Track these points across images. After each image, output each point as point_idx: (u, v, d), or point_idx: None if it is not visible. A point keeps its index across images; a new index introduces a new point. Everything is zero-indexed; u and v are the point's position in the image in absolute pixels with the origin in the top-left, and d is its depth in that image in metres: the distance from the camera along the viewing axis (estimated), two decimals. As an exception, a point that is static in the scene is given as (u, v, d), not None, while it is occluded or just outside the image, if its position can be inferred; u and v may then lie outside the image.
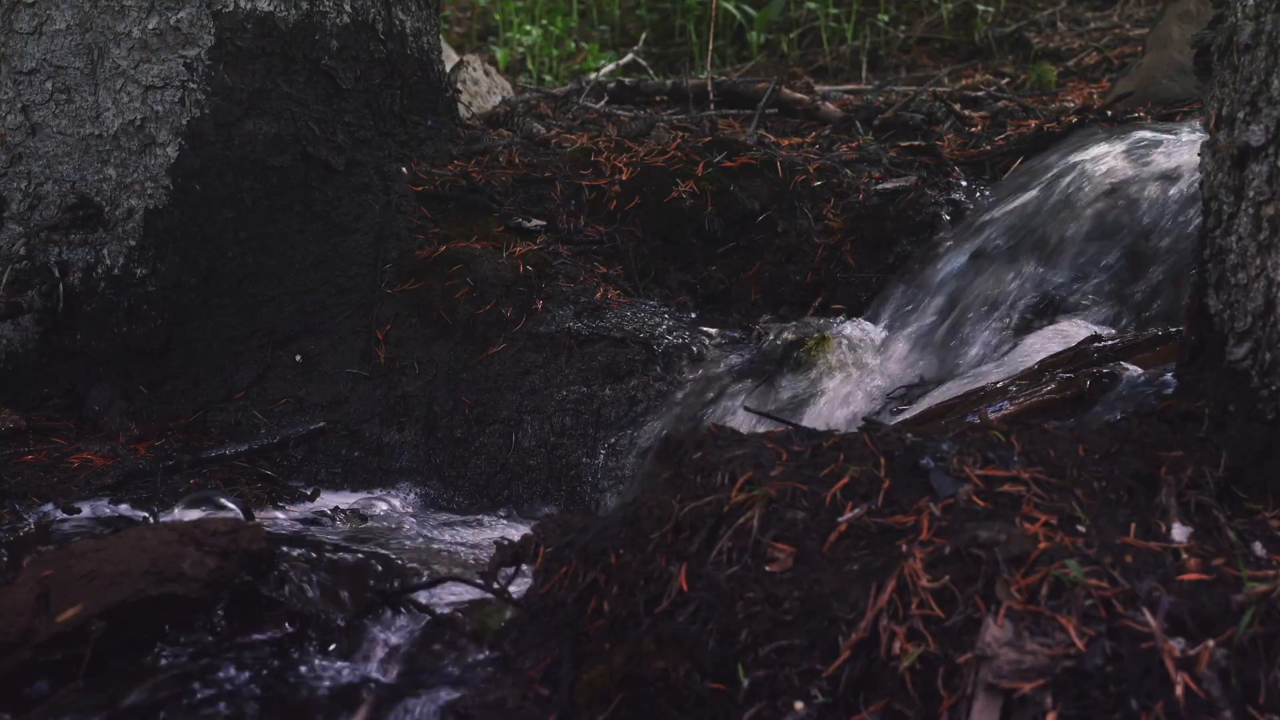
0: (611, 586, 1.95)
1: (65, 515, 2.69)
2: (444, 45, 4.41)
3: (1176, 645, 1.62)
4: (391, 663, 2.05)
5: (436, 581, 2.26)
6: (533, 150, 3.84)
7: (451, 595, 2.23)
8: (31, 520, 2.64)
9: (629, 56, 5.78)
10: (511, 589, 2.13)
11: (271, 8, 3.36)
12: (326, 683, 2.00)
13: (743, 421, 2.89)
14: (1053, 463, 1.90)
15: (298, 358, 3.25)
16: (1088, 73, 5.20)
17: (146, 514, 2.72)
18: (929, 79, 5.29)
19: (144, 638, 2.03)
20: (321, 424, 3.12)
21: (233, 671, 1.99)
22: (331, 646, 2.07)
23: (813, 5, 6.24)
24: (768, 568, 1.81)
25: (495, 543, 2.18)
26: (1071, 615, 1.64)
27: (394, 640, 2.09)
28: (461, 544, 2.70)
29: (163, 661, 2.01)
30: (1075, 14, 6.08)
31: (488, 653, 2.04)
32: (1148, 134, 3.35)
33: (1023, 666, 1.62)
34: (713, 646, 1.78)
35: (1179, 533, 1.79)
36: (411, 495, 3.03)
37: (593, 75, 5.26)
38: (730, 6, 6.11)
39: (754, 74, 5.84)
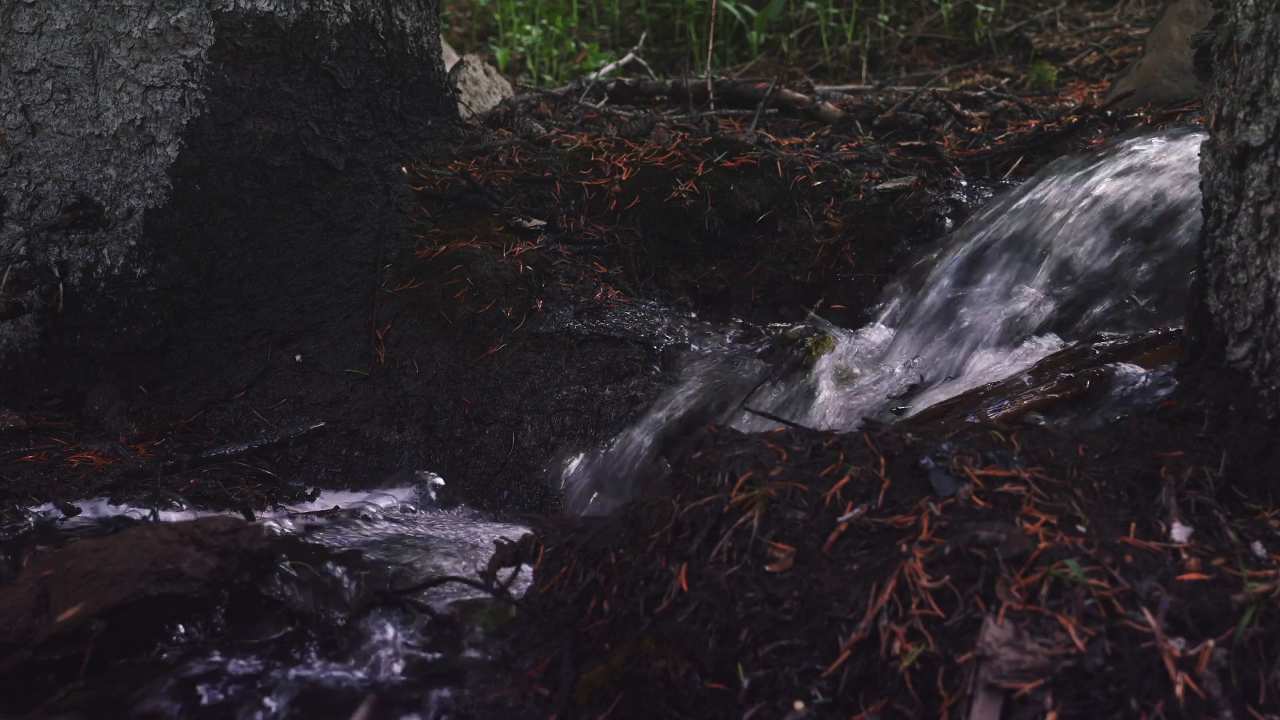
0: (611, 586, 1.95)
1: (65, 515, 2.69)
2: (444, 45, 4.41)
3: (1176, 645, 1.62)
4: (391, 663, 2.05)
5: (436, 581, 2.26)
6: (533, 150, 3.84)
7: (451, 595, 2.23)
8: (31, 520, 2.64)
9: (629, 56, 5.77)
10: (511, 589, 2.13)
11: (271, 8, 3.36)
12: (326, 683, 2.00)
13: (743, 422, 2.89)
14: (1053, 463, 1.90)
15: (298, 358, 3.25)
16: (1088, 73, 5.20)
17: (147, 514, 2.72)
18: (929, 79, 5.29)
19: (144, 638, 2.03)
20: (321, 424, 3.12)
21: (233, 671, 1.99)
22: (331, 646, 2.07)
23: (813, 5, 6.24)
24: (768, 568, 1.81)
25: (495, 542, 2.18)
26: (1071, 615, 1.64)
27: (394, 640, 2.09)
28: (461, 544, 2.69)
29: (162, 661, 2.01)
30: (1075, 14, 6.08)
31: (488, 653, 2.04)
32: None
33: (1023, 666, 1.62)
34: (713, 646, 1.78)
35: (1179, 533, 1.79)
36: (411, 495, 3.03)
37: (593, 75, 5.26)
38: (730, 6, 6.11)
39: (754, 74, 5.84)
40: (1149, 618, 1.63)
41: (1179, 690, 1.57)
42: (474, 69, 5.13)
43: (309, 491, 2.98)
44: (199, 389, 3.27)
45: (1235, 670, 1.59)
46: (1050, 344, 2.87)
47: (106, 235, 3.32)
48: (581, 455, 3.00)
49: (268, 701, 1.94)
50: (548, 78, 6.17)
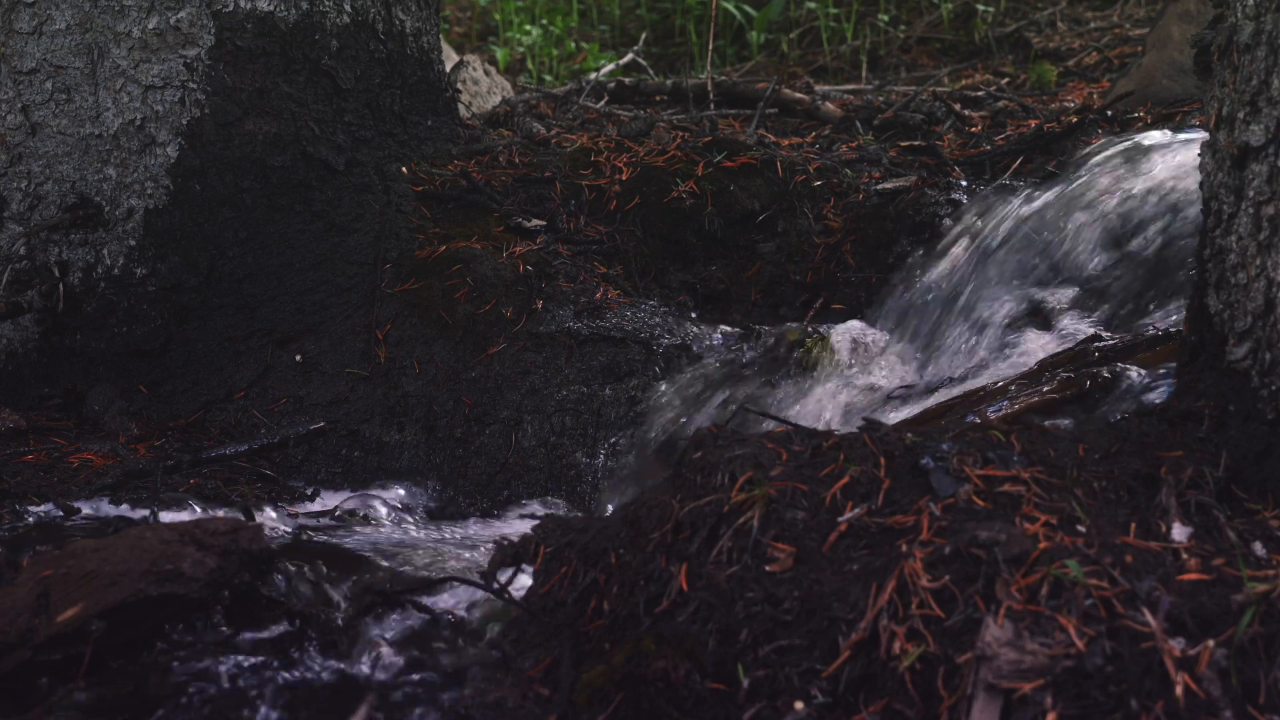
0: (611, 586, 1.95)
1: (65, 515, 2.69)
2: (444, 45, 4.41)
3: (1176, 645, 1.62)
4: (391, 662, 2.05)
5: (436, 581, 2.26)
6: (533, 150, 3.84)
7: (451, 595, 2.23)
8: (31, 520, 2.64)
9: (629, 56, 5.77)
10: (511, 589, 2.13)
11: (271, 8, 3.36)
12: (326, 682, 2.00)
13: (742, 422, 2.89)
14: (1053, 463, 1.90)
15: (298, 358, 3.25)
16: (1088, 73, 5.20)
17: (147, 514, 2.72)
18: (929, 79, 5.29)
19: (144, 638, 2.03)
20: (321, 424, 3.12)
21: (232, 671, 1.99)
22: (331, 646, 2.07)
23: (813, 5, 6.24)
24: (768, 568, 1.81)
25: (495, 542, 2.18)
26: (1071, 615, 1.64)
27: (394, 640, 2.09)
28: (461, 544, 2.69)
29: (162, 661, 2.01)
30: (1075, 14, 6.08)
31: (488, 653, 2.04)
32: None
33: (1023, 666, 1.62)
34: (713, 646, 1.78)
35: (1179, 533, 1.79)
36: (411, 495, 3.03)
37: (593, 75, 5.26)
38: (730, 6, 6.11)
39: (754, 74, 5.84)
40: (1149, 618, 1.63)
41: (1179, 690, 1.58)
42: (474, 69, 5.13)
43: (309, 491, 2.98)
44: (199, 389, 3.27)
45: (1235, 670, 1.59)
46: (1052, 342, 2.87)
47: (106, 235, 3.32)
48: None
49: (267, 701, 1.94)
50: (548, 78, 6.17)
